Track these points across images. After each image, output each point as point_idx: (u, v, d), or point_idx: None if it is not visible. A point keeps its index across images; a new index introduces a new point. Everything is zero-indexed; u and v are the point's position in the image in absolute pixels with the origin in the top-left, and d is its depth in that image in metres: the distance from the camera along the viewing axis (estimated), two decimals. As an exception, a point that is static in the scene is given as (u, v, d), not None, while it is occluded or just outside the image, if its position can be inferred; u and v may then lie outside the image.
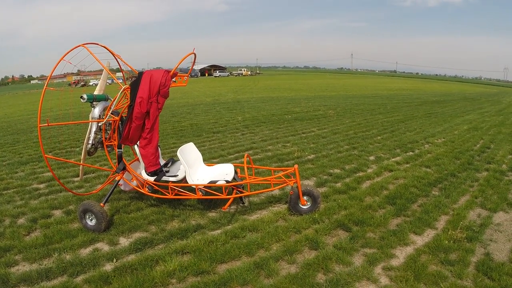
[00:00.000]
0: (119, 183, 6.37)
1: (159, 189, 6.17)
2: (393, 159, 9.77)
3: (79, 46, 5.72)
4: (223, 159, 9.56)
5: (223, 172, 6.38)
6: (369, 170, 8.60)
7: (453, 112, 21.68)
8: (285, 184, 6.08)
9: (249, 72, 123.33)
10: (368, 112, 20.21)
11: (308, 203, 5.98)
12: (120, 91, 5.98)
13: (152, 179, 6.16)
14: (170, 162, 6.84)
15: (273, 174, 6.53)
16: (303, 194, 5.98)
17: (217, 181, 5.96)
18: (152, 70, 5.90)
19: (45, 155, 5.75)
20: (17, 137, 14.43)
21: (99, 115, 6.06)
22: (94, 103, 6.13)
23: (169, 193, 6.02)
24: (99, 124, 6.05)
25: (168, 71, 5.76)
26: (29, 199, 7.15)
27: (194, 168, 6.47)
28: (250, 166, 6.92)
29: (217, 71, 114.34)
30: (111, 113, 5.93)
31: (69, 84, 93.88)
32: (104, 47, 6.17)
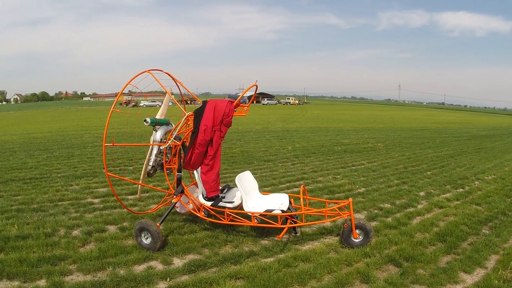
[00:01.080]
0: (175, 205, 6.50)
1: (215, 214, 6.21)
2: (443, 195, 9.53)
3: (145, 72, 6.07)
4: (274, 188, 9.56)
5: (278, 202, 6.40)
6: (420, 206, 8.44)
7: (503, 147, 21.19)
8: (339, 217, 6.08)
9: (296, 101, 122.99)
10: (417, 146, 19.84)
11: (360, 237, 5.94)
12: (184, 118, 6.22)
13: (209, 204, 6.25)
14: (226, 188, 6.94)
15: (327, 206, 6.58)
16: (356, 228, 5.94)
17: (273, 210, 6.00)
18: (216, 99, 6.11)
19: (108, 173, 5.92)
20: (72, 151, 15.04)
21: (161, 139, 6.30)
22: (156, 126, 6.37)
23: (224, 219, 6.09)
24: (161, 148, 6.26)
25: (231, 102, 5.99)
26: (84, 212, 7.36)
27: (250, 195, 6.53)
28: (305, 197, 6.88)
29: (265, 99, 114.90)
30: (173, 138, 6.13)
31: (120, 104, 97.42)
32: (168, 74, 6.53)
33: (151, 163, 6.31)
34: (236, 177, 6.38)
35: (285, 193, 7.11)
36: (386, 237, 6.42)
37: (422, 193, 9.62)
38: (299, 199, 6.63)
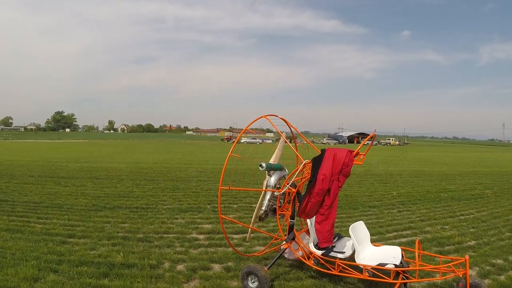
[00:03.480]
0: (284, 251, 6.40)
1: (324, 263, 5.99)
2: None
3: (262, 117, 6.34)
4: (381, 237, 9.11)
5: (391, 255, 6.06)
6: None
7: None
8: (454, 275, 5.61)
9: (397, 142, 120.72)
10: None
11: None
12: (301, 165, 6.25)
13: (319, 253, 6.09)
14: (337, 237, 6.73)
15: (440, 262, 6.28)
16: (471, 287, 5.46)
17: (386, 264, 5.70)
18: (335, 148, 6.03)
19: (221, 216, 6.13)
20: (177, 184, 15.66)
21: (275, 184, 6.35)
22: (271, 171, 6.47)
23: (334, 269, 5.82)
24: (275, 193, 6.32)
25: (351, 151, 5.83)
26: (189, 248, 7.48)
27: (362, 246, 6.27)
28: (419, 251, 6.33)
29: (361, 138, 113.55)
30: (289, 185, 6.15)
31: (222, 139, 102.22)
32: (283, 119, 6.68)
33: (263, 208, 6.37)
34: (350, 227, 6.19)
35: (395, 244, 6.86)
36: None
37: None
38: (410, 252, 6.40)
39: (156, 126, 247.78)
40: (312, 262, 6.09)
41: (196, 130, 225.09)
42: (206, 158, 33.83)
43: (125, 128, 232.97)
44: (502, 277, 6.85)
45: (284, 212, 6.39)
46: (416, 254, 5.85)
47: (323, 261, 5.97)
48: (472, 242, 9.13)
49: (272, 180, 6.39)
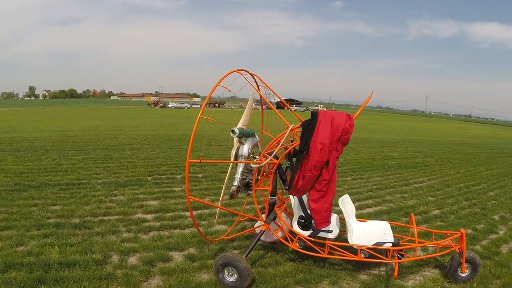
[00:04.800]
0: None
1: (312, 245, 5.20)
2: None
3: (234, 71, 5.02)
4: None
5: (381, 231, 5.54)
6: (501, 232, 7.89)
7: None
8: (451, 249, 5.32)
9: (324, 108, 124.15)
10: (466, 162, 18.88)
11: (468, 271, 5.33)
12: (288, 131, 5.14)
13: (306, 234, 5.29)
14: None
15: (433, 237, 5.92)
16: (466, 261, 5.31)
17: (383, 243, 5.18)
18: (331, 111, 5.01)
19: (189, 196, 4.78)
20: (109, 153, 13.87)
21: (248, 154, 5.26)
22: (242, 138, 5.33)
23: (323, 251, 5.14)
24: (252, 166, 5.20)
25: (350, 116, 4.92)
26: (138, 232, 6.23)
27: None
28: (412, 226, 5.86)
29: (294, 105, 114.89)
30: (272, 156, 5.10)
31: (148, 104, 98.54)
32: (255, 75, 5.51)
33: (235, 183, 5.22)
34: (339, 200, 5.57)
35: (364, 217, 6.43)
36: (485, 269, 5.77)
37: (496, 217, 9.05)
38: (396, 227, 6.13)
39: (80, 91, 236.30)
40: (297, 244, 5.27)
41: (121, 95, 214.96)
42: (136, 123, 31.65)
43: (47, 94, 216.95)
44: (478, 247, 6.85)
45: (262, 188, 5.39)
46: (415, 230, 5.35)
47: (310, 243, 5.19)
48: (437, 212, 9.16)
49: (245, 149, 5.25)
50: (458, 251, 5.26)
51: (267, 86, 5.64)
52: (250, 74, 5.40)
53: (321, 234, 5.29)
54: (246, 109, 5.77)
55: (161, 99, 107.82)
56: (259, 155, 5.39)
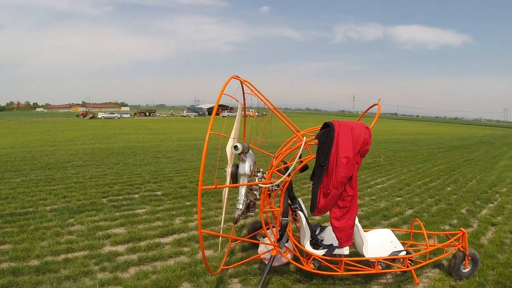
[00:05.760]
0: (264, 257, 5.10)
1: (328, 264, 4.95)
2: (483, 212, 9.49)
3: (233, 77, 4.46)
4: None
5: (388, 240, 5.60)
6: (475, 225, 8.27)
7: (485, 158, 21.95)
8: (455, 249, 5.60)
9: (256, 113, 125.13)
10: (412, 160, 19.77)
11: (469, 267, 5.55)
12: (303, 145, 4.59)
13: (321, 253, 4.97)
14: (319, 229, 5.74)
15: (435, 239, 6.21)
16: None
17: (398, 251, 5.21)
18: (348, 121, 4.65)
19: (201, 230, 3.98)
20: (50, 173, 12.37)
21: (251, 173, 4.71)
22: (242, 155, 4.69)
23: (339, 269, 4.94)
24: (262, 186, 4.66)
25: (367, 127, 4.57)
26: (115, 271, 5.27)
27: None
28: (415, 231, 6.22)
29: (225, 111, 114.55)
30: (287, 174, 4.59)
31: (77, 116, 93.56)
32: (244, 82, 4.92)
33: (240, 206, 4.57)
34: None
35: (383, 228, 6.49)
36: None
37: (464, 211, 9.43)
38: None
39: (3, 103, 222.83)
40: (312, 265, 4.94)
41: (47, 106, 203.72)
42: (70, 137, 29.33)
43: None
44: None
45: (273, 209, 4.88)
46: (425, 234, 5.53)
47: (326, 262, 4.95)
48: (410, 211, 9.26)
49: (247, 167, 4.65)
50: (461, 250, 5.47)
51: (255, 94, 5.02)
52: (242, 81, 4.81)
53: (337, 251, 5.01)
54: (236, 119, 5.17)
55: (89, 110, 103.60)
56: (260, 172, 4.86)
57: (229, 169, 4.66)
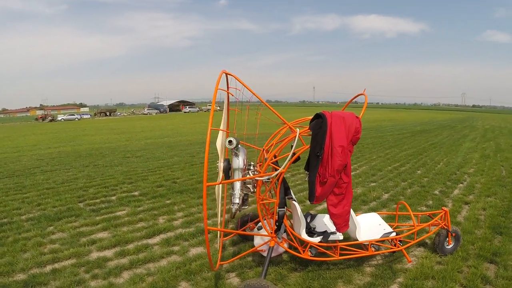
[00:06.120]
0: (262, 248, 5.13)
1: (325, 250, 5.06)
2: (455, 192, 9.91)
3: (223, 72, 4.50)
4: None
5: (376, 223, 5.87)
6: (450, 205, 8.58)
7: (449, 142, 22.68)
8: (439, 227, 5.91)
9: (217, 108, 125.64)
10: (380, 146, 20.29)
11: (452, 243, 5.93)
12: (296, 136, 4.62)
13: (317, 240, 5.05)
14: (309, 217, 5.78)
15: (419, 219, 6.47)
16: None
17: (389, 233, 5.42)
18: (339, 112, 4.72)
19: (207, 227, 3.89)
20: (19, 180, 11.89)
21: (244, 167, 4.72)
22: (234, 149, 4.68)
23: (335, 254, 5.09)
24: (264, 178, 4.65)
25: (357, 116, 4.73)
26: (108, 277, 5.15)
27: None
28: (400, 213, 6.59)
29: (187, 107, 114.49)
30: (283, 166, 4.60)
31: (36, 119, 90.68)
32: (231, 75, 4.89)
33: (236, 200, 4.60)
34: None
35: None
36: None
37: (437, 192, 9.82)
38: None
39: None
40: (309, 253, 5.01)
41: (4, 111, 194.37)
42: (32, 142, 28.16)
43: None
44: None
45: (269, 201, 4.80)
46: (412, 215, 5.73)
47: (322, 249, 5.05)
48: (386, 195, 9.56)
49: (241, 160, 4.65)
50: (445, 227, 5.80)
51: (245, 86, 5.00)
52: (227, 75, 4.80)
53: (332, 237, 5.14)
54: (224, 112, 5.16)
55: (48, 112, 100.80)
56: (251, 165, 4.89)
57: (221, 164, 4.63)
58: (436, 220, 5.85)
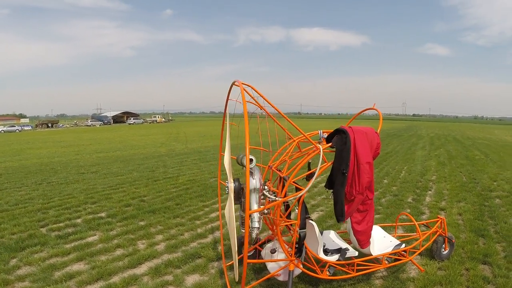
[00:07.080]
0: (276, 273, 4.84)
1: (342, 268, 5.01)
2: (427, 199, 10.24)
3: (236, 81, 4.41)
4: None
5: (381, 236, 5.89)
6: (427, 211, 8.96)
7: (402, 150, 23.58)
8: (438, 234, 6.09)
9: (163, 119, 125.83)
10: None
11: (448, 248, 6.18)
12: (321, 154, 4.37)
13: (335, 258, 4.95)
14: (322, 234, 5.61)
15: (418, 228, 6.31)
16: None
17: (399, 245, 5.45)
18: (359, 127, 4.76)
19: (247, 260, 3.68)
20: None
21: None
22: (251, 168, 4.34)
23: (353, 271, 5.00)
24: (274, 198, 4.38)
25: (376, 131, 4.83)
26: None
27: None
28: (399, 224, 6.86)
29: (132, 118, 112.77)
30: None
31: (36, 125, 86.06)
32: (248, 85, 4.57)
33: (256, 224, 4.28)
34: None
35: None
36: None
37: (410, 200, 10.08)
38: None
39: None
40: (328, 273, 4.89)
41: None
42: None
43: None
44: (423, 228, 7.13)
45: (290, 222, 4.57)
46: (417, 226, 5.88)
47: (339, 267, 4.99)
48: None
49: (257, 180, 4.33)
50: (443, 234, 6.05)
51: (261, 96, 4.66)
52: (243, 85, 4.46)
53: (349, 254, 5.12)
54: (226, 127, 4.80)
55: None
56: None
57: (231, 185, 4.28)
58: (436, 228, 6.06)
